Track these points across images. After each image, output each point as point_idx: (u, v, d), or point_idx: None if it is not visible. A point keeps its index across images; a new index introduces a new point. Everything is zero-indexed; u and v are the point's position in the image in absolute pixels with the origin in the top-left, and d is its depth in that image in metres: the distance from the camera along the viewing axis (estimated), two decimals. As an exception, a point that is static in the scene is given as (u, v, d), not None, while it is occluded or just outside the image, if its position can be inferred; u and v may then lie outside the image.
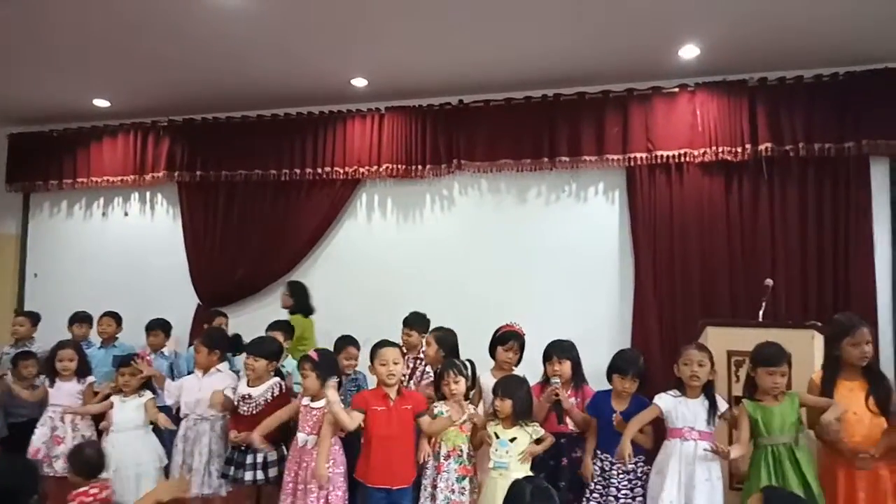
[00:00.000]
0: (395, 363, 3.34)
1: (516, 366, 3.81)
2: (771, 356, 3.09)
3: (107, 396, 4.05)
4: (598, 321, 5.03)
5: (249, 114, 6.04)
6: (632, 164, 5.06)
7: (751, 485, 3.06)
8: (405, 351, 4.09)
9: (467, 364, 3.60)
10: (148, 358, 4.15)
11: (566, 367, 3.56)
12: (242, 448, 3.57)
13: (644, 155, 5.03)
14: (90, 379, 4.25)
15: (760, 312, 3.91)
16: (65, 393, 4.10)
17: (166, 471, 3.78)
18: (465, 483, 3.27)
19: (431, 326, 4.16)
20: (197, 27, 4.42)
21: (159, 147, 6.26)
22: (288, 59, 4.95)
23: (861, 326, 3.10)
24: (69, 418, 4.03)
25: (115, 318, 5.15)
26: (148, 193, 6.45)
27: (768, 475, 2.99)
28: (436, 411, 3.40)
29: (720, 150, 4.86)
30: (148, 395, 3.86)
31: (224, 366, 3.93)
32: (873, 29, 4.27)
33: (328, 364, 3.46)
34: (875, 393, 3.02)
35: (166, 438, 3.93)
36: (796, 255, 4.71)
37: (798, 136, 4.73)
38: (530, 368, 3.79)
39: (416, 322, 4.25)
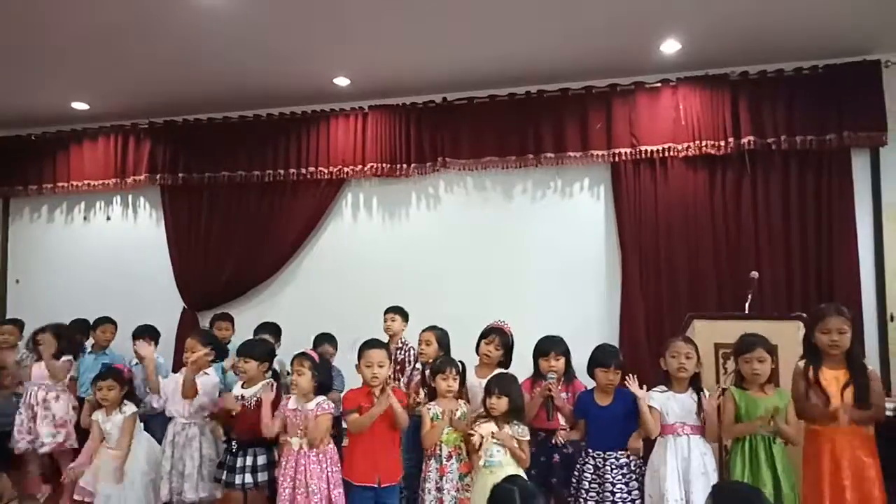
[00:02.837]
0: (381, 365, 3.33)
1: (505, 366, 3.81)
2: (743, 343, 3.14)
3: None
4: (586, 316, 5.05)
5: (231, 115, 5.99)
6: (616, 159, 5.08)
7: (730, 472, 3.11)
8: (387, 339, 4.28)
9: (459, 365, 3.59)
10: (127, 369, 4.07)
11: (562, 363, 3.57)
12: (234, 451, 3.55)
13: (628, 150, 5.04)
14: (65, 358, 4.37)
15: (746, 305, 3.94)
16: (39, 375, 4.29)
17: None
18: (468, 480, 3.27)
19: (422, 326, 4.16)
20: (176, 27, 4.37)
21: (140, 149, 6.18)
22: (269, 58, 4.90)
23: (831, 314, 3.08)
24: (41, 396, 4.19)
25: (114, 324, 5.08)
26: (130, 197, 6.37)
27: (743, 465, 3.03)
28: (431, 413, 3.38)
29: (703, 144, 4.89)
30: (129, 409, 3.76)
31: (212, 370, 3.88)
32: (851, 22, 4.32)
33: (324, 369, 3.45)
34: (855, 385, 3.01)
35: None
36: (780, 248, 4.76)
37: (780, 128, 4.78)
38: (518, 364, 3.81)
39: (399, 309, 4.47)
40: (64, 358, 4.36)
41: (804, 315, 3.65)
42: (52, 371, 4.30)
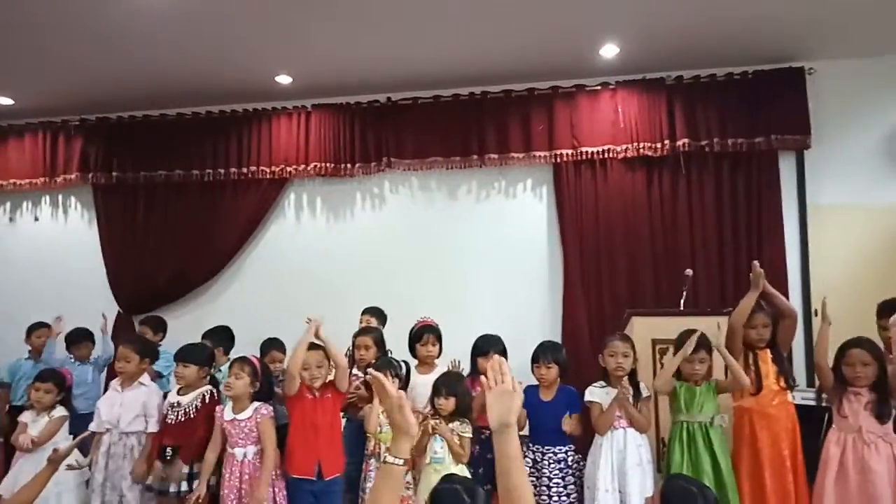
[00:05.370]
0: (319, 367, 3.31)
1: (438, 357, 3.83)
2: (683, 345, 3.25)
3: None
4: (530, 314, 5.12)
5: (169, 112, 5.81)
6: (558, 160, 5.17)
7: (668, 460, 3.24)
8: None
9: (402, 364, 3.58)
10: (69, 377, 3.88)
11: None
12: (168, 458, 3.45)
13: (570, 151, 5.14)
14: None
15: (682, 301, 4.07)
16: None
17: (87, 484, 3.57)
18: (409, 478, 3.27)
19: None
20: (109, 20, 4.21)
21: (71, 147, 5.93)
22: (208, 54, 4.79)
23: (758, 311, 3.37)
24: None
25: (50, 329, 4.89)
26: (60, 196, 6.11)
27: (681, 451, 3.19)
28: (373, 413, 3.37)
29: (641, 145, 5.03)
30: (59, 412, 3.59)
31: (146, 378, 3.76)
32: (778, 30, 4.53)
33: (267, 379, 3.43)
34: (778, 367, 3.32)
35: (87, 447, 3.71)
36: (713, 246, 4.94)
37: (712, 131, 4.96)
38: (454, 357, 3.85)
39: (376, 311, 4.45)
40: None
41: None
42: None
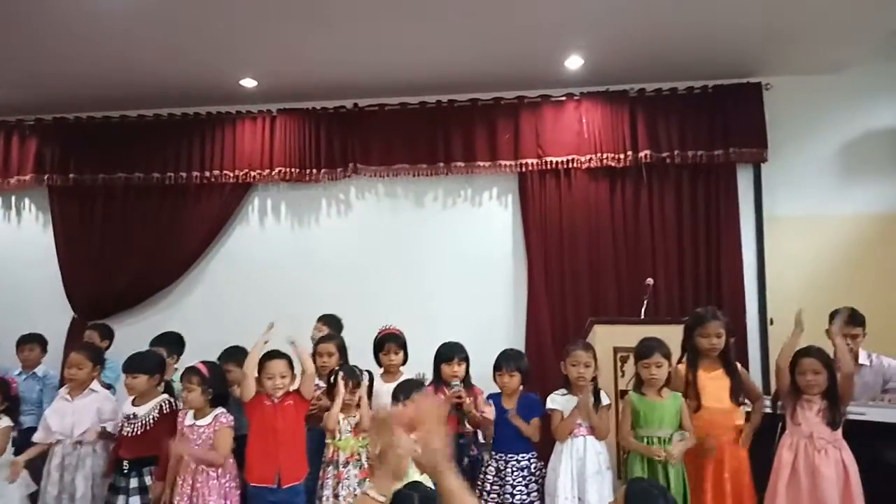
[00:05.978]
0: (283, 377, 3.27)
1: (403, 364, 3.82)
2: (643, 348, 3.31)
3: None
4: (494, 321, 5.14)
5: (129, 113, 5.69)
6: (523, 169, 5.22)
7: (628, 472, 3.27)
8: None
9: (365, 374, 3.55)
10: (14, 385, 3.75)
11: (463, 368, 3.62)
12: (125, 471, 3.37)
13: (535, 161, 5.20)
14: None
15: (642, 310, 4.14)
16: None
17: (33, 497, 3.46)
18: (367, 486, 3.24)
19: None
20: (68, 18, 4.11)
21: (25, 148, 5.76)
22: (171, 55, 4.71)
23: (711, 319, 3.31)
24: None
25: None
26: (13, 198, 5.92)
27: (641, 465, 3.20)
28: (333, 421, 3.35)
29: (604, 156, 5.11)
30: (3, 421, 3.45)
31: (96, 384, 3.67)
32: (737, 46, 4.67)
33: (218, 379, 3.34)
34: (731, 381, 3.28)
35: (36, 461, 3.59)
36: (674, 255, 5.04)
37: (673, 143, 5.07)
38: (420, 370, 3.82)
39: (331, 321, 4.35)
40: None
41: (693, 320, 3.88)
42: None
